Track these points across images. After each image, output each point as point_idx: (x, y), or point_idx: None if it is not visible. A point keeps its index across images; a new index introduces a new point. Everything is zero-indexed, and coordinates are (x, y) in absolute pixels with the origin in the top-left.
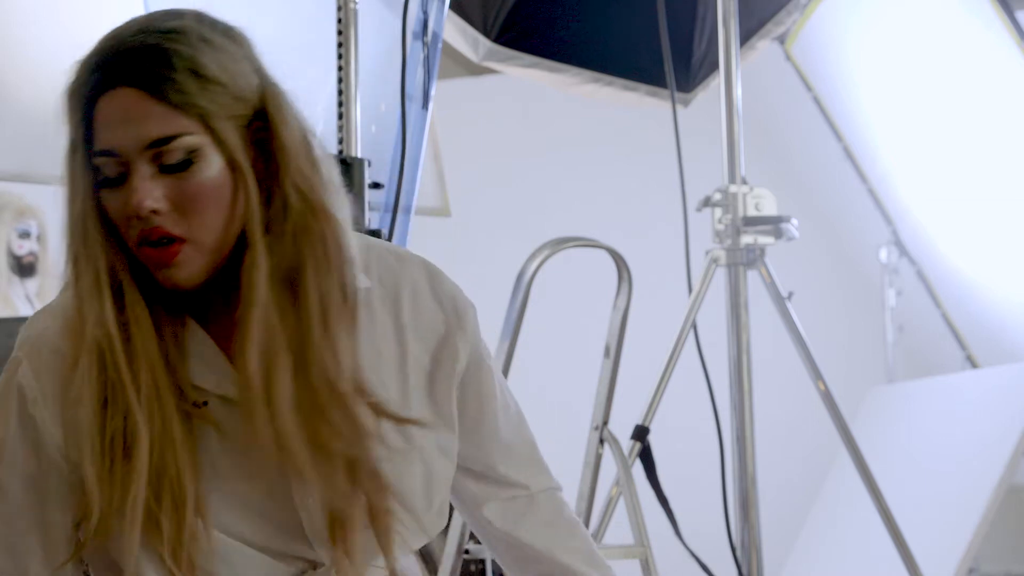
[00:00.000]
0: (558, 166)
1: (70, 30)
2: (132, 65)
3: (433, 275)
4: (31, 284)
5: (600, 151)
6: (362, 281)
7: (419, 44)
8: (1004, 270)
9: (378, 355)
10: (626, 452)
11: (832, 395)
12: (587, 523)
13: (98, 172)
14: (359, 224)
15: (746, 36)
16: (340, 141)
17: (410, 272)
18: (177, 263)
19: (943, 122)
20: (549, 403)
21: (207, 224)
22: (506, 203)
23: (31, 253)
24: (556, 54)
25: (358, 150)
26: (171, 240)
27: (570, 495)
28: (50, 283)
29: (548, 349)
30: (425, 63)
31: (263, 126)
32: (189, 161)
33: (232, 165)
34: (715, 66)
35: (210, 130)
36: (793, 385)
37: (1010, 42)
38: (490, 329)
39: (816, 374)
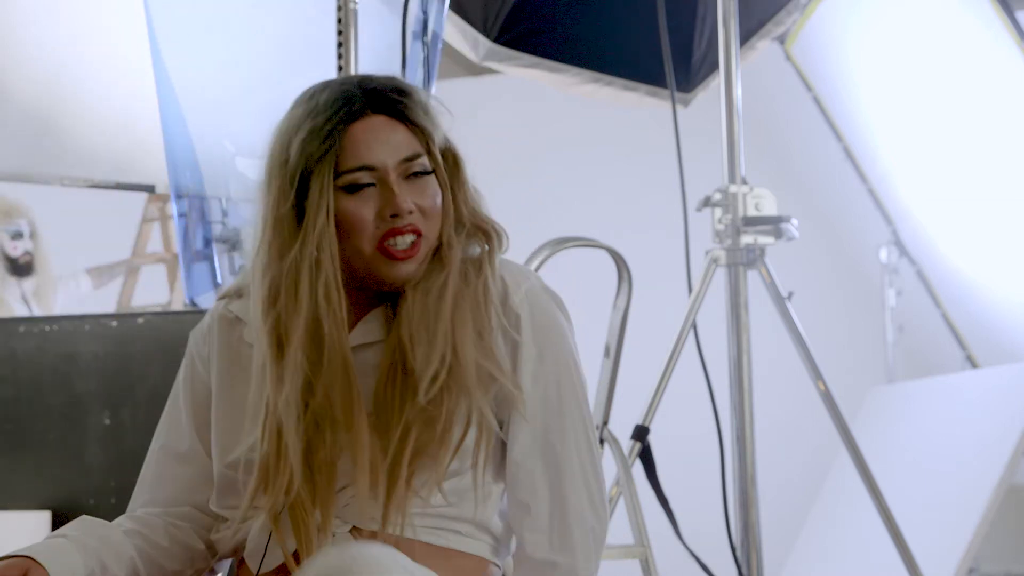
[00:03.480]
0: (558, 166)
1: (70, 30)
2: (382, 97)
3: None
4: (28, 283)
5: (600, 151)
6: None
7: (419, 44)
8: (1004, 270)
9: None
10: (626, 452)
11: (832, 395)
12: None
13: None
14: None
15: (746, 36)
16: None
17: None
18: (414, 258)
19: (943, 122)
20: None
21: (435, 226)
22: (506, 203)
23: (26, 253)
24: (556, 54)
25: None
26: (415, 237)
27: None
28: (48, 280)
29: None
30: (425, 63)
31: (446, 160)
32: (424, 174)
33: (440, 181)
34: (715, 66)
35: (431, 154)
36: (793, 385)
37: (1010, 42)
38: None
39: (816, 374)
